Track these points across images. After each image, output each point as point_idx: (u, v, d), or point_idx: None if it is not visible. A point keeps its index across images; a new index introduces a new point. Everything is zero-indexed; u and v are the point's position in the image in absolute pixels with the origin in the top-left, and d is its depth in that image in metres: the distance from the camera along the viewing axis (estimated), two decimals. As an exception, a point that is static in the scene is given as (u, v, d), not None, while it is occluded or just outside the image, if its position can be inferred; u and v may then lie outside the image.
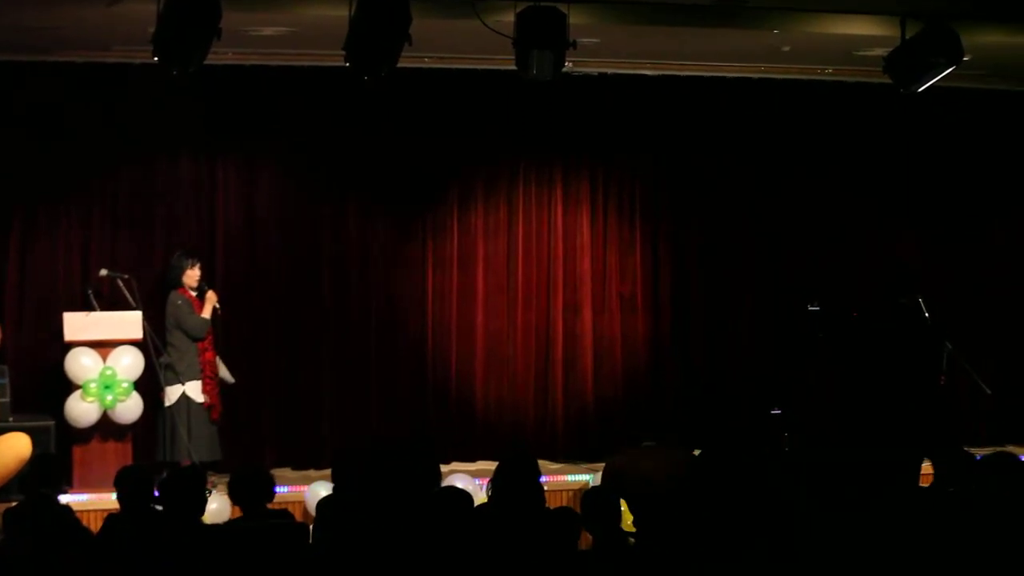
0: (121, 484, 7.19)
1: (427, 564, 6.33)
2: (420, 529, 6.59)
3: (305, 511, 10.63)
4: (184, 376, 10.99)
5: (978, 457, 7.27)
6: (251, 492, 7.27)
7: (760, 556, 5.90)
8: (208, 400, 11.09)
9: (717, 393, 12.81)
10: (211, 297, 11.22)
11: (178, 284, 11.20)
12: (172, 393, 10.98)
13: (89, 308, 11.00)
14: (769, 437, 10.80)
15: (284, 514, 7.54)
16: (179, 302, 11.12)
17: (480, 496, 9.02)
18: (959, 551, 5.94)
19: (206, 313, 11.18)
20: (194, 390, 11.04)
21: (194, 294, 11.24)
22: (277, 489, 10.61)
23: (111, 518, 7.14)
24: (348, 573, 6.26)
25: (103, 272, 11.20)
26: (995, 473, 6.86)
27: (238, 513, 7.35)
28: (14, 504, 7.40)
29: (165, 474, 9.59)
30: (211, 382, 11.16)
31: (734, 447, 7.75)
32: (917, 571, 5.87)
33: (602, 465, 11.92)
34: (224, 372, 11.33)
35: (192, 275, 11.22)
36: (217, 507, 10.00)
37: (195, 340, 11.10)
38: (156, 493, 7.13)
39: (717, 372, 12.95)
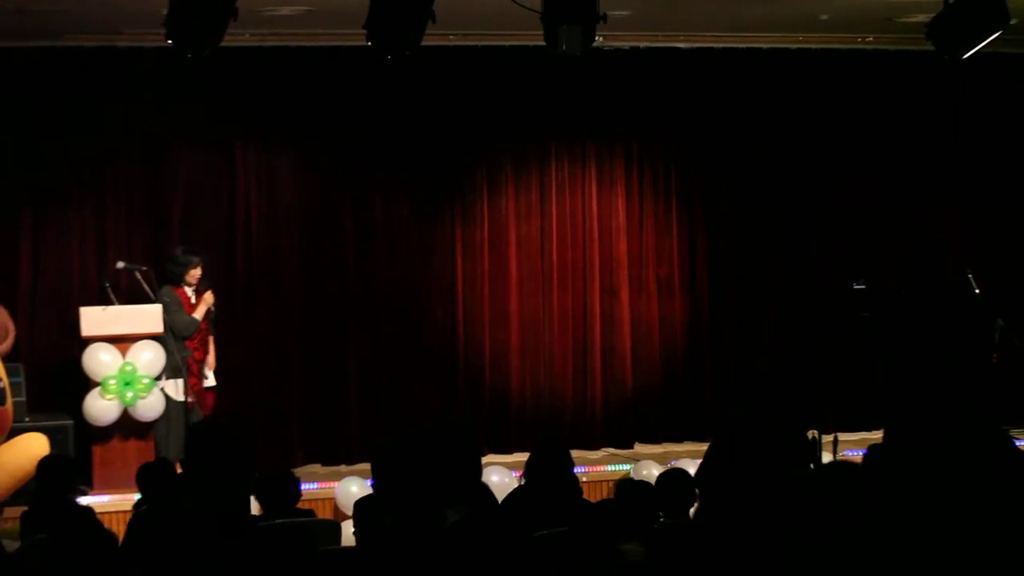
0: (144, 480, 7.23)
1: (459, 561, 5.97)
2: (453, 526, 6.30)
3: (336, 508, 10.47)
4: (165, 373, 10.68)
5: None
6: (277, 495, 7.17)
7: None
8: (192, 399, 10.74)
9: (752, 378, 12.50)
10: (207, 298, 10.96)
11: (178, 282, 10.93)
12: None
13: (107, 302, 10.76)
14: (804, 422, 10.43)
15: (308, 513, 7.46)
16: (167, 299, 10.84)
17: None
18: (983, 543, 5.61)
19: (198, 313, 10.93)
20: (172, 388, 10.72)
21: (190, 292, 10.97)
22: (306, 487, 10.39)
23: (136, 518, 7.02)
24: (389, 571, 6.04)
25: (120, 264, 11.00)
26: None
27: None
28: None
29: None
30: (195, 380, 10.86)
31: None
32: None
33: (640, 453, 11.70)
34: (208, 371, 11.04)
35: (195, 274, 10.97)
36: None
37: (180, 338, 10.77)
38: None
39: (754, 356, 12.67)
